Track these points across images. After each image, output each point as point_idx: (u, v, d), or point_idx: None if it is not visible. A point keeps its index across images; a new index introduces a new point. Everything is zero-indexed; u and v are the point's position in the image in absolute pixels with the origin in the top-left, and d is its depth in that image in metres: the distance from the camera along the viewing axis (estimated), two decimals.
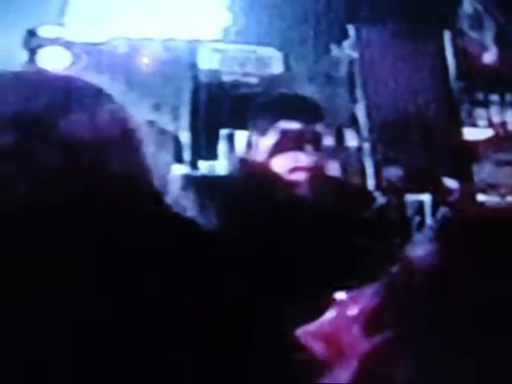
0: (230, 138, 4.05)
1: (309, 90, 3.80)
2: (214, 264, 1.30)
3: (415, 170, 4.32)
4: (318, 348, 0.88)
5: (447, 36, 4.62)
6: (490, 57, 4.66)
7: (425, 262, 0.85)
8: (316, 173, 2.66)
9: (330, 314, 0.91)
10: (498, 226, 0.86)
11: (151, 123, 1.39)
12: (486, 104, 4.74)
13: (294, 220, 2.53)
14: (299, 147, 2.61)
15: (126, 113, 1.35)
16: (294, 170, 2.61)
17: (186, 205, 2.42)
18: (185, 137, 4.29)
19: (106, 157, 1.29)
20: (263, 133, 2.64)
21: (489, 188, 4.50)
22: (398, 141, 4.41)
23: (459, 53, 4.65)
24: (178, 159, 4.12)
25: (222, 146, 4.11)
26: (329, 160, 3.21)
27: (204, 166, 4.14)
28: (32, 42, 3.99)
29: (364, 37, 4.50)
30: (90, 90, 1.35)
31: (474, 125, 4.70)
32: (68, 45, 4.03)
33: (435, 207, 4.05)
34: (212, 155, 4.13)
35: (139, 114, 1.38)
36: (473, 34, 4.67)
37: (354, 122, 4.47)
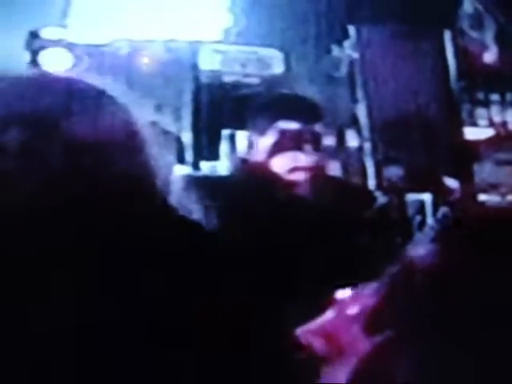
0: (232, 139, 4.05)
1: (310, 91, 3.80)
2: (215, 264, 1.30)
3: (416, 169, 4.32)
4: (317, 345, 0.88)
5: (447, 36, 4.62)
6: (490, 56, 4.66)
7: (426, 261, 0.85)
8: (316, 173, 2.66)
9: (329, 314, 0.91)
10: (499, 226, 0.86)
11: (154, 124, 1.39)
12: (486, 103, 4.74)
13: (294, 220, 2.53)
14: (298, 147, 2.61)
15: (129, 114, 1.36)
16: (294, 169, 2.61)
17: (188, 205, 2.43)
18: (187, 137, 4.30)
19: (110, 158, 1.30)
20: (262, 133, 2.64)
21: (489, 187, 4.50)
22: (398, 140, 4.41)
23: (460, 52, 4.64)
24: (180, 160, 4.12)
25: (223, 147, 4.11)
26: (329, 160, 3.21)
27: (206, 167, 4.14)
28: (34, 43, 3.99)
29: (364, 37, 4.50)
30: (93, 92, 1.35)
31: (475, 124, 4.70)
32: (70, 46, 4.03)
33: (436, 207, 4.05)
34: (214, 156, 4.14)
35: (142, 114, 1.38)
36: (473, 34, 4.67)
37: (354, 122, 4.47)
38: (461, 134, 4.60)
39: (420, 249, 0.89)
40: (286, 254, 2.40)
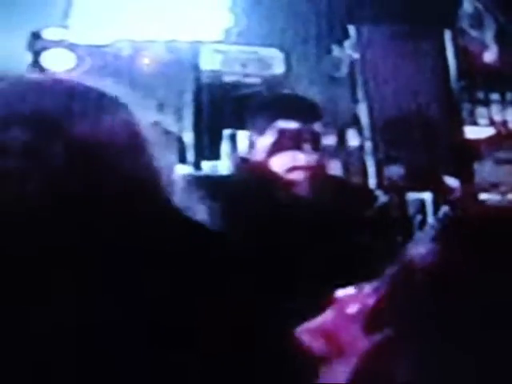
0: (233, 138, 4.05)
1: (310, 91, 3.80)
2: (217, 264, 1.31)
3: (416, 168, 4.32)
4: (317, 345, 0.88)
5: (448, 35, 4.62)
6: (490, 56, 4.66)
7: (426, 260, 0.85)
8: (316, 172, 2.66)
9: (329, 312, 0.91)
10: (500, 225, 0.86)
11: (156, 124, 1.40)
12: (486, 103, 4.74)
13: (294, 219, 2.53)
14: (297, 146, 2.61)
15: (131, 115, 1.36)
16: (293, 169, 2.61)
17: (191, 205, 2.43)
18: (188, 137, 4.30)
19: (112, 159, 1.30)
20: (261, 132, 2.64)
21: (490, 186, 4.50)
22: (399, 140, 4.41)
23: (460, 52, 4.64)
24: (182, 159, 4.13)
25: (224, 146, 4.12)
26: (330, 159, 3.21)
27: (207, 166, 4.15)
28: (36, 44, 3.99)
29: (365, 37, 4.50)
30: (95, 93, 1.35)
31: (475, 123, 4.70)
32: (72, 47, 4.03)
33: (436, 206, 4.05)
34: (215, 155, 4.14)
35: (144, 115, 1.39)
36: (473, 33, 4.67)
37: (355, 122, 4.47)
38: (461, 133, 4.60)
39: (420, 248, 0.88)
40: (287, 254, 2.40)
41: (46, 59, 3.99)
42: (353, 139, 4.45)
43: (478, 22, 4.66)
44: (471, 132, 4.64)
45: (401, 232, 2.87)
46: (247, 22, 4.40)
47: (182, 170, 3.73)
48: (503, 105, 4.76)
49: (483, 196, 4.45)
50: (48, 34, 4.04)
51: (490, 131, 4.69)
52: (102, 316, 1.21)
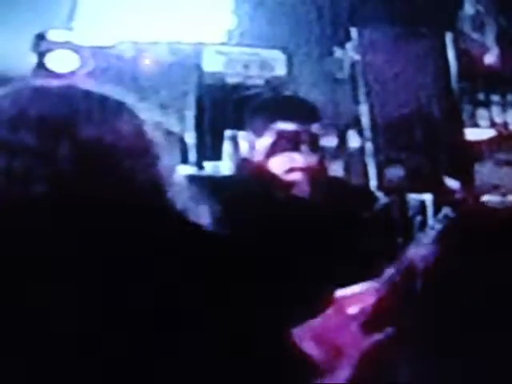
0: (235, 139, 4.06)
1: (312, 92, 3.82)
2: (217, 265, 1.31)
3: (417, 170, 4.33)
4: (316, 348, 0.89)
5: (449, 37, 4.62)
6: (491, 58, 4.67)
7: (426, 261, 0.86)
8: (316, 173, 2.67)
9: (329, 313, 0.92)
10: (500, 226, 0.87)
11: (159, 124, 1.41)
12: (487, 104, 4.75)
13: (294, 220, 2.53)
14: (295, 148, 2.61)
15: (136, 117, 1.36)
16: (291, 170, 2.62)
17: (193, 206, 2.43)
18: (190, 138, 4.32)
19: (117, 160, 1.30)
20: (260, 134, 2.65)
21: (490, 188, 4.51)
22: (400, 141, 4.41)
23: (461, 54, 4.65)
24: (184, 160, 4.15)
25: (226, 147, 4.13)
26: (331, 160, 3.22)
27: (209, 167, 4.16)
28: (41, 45, 4.00)
29: (366, 39, 4.50)
30: (99, 95, 1.36)
31: (476, 125, 4.70)
32: (76, 48, 4.05)
33: (437, 207, 4.05)
34: (217, 156, 4.16)
35: (147, 116, 1.39)
36: (474, 36, 4.68)
37: (356, 123, 4.48)
38: (462, 134, 4.61)
39: (421, 249, 0.89)
40: (287, 254, 2.40)
41: (51, 60, 4.00)
42: (354, 140, 4.46)
43: (478, 24, 4.67)
44: (472, 133, 4.65)
45: (401, 233, 2.87)
46: (250, 24, 4.41)
47: (184, 171, 3.75)
48: (504, 106, 4.77)
49: (484, 197, 4.45)
50: (52, 35, 4.05)
51: (490, 133, 4.70)
52: (102, 319, 1.21)
